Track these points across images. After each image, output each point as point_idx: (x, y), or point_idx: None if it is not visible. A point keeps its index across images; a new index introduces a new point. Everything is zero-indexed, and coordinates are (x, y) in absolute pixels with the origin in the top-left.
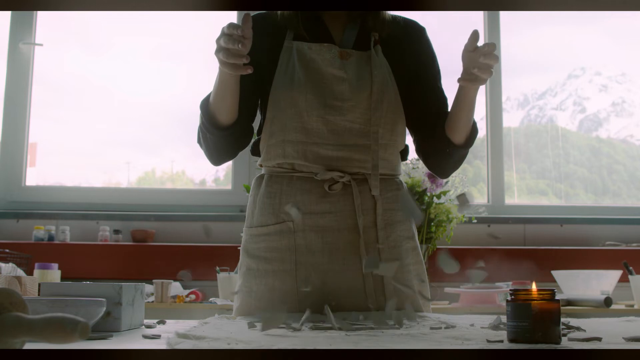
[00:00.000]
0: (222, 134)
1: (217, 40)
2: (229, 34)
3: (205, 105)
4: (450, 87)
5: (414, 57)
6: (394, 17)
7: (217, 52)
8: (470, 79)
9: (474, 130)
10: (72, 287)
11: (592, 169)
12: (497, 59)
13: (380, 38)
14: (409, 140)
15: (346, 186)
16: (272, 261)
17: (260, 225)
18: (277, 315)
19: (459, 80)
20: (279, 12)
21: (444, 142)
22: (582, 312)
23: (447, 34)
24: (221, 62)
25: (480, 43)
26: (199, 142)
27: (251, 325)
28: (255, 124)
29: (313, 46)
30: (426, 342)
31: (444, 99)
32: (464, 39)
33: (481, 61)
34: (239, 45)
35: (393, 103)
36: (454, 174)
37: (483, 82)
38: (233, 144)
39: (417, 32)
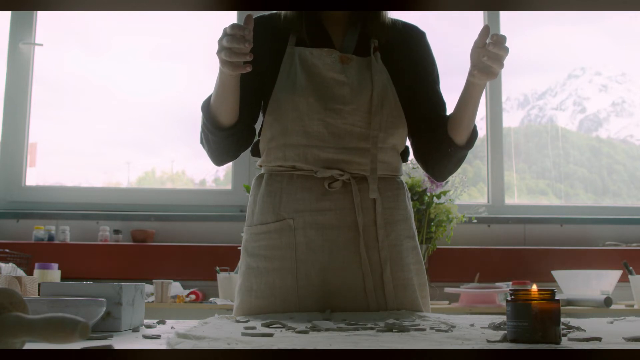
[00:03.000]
0: (224, 135)
1: (220, 41)
2: (231, 34)
3: (207, 106)
4: (449, 89)
5: (413, 61)
6: (394, 22)
7: (219, 52)
8: (482, 71)
9: (474, 132)
10: (72, 287)
11: (592, 169)
12: (507, 50)
13: (380, 44)
14: (409, 142)
15: (346, 184)
16: (272, 259)
17: (260, 224)
18: None
19: (470, 73)
20: (281, 16)
21: (446, 143)
22: (582, 312)
23: (446, 35)
24: (223, 62)
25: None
26: (201, 142)
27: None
28: (257, 125)
29: (314, 51)
30: (426, 342)
31: (443, 103)
32: (464, 39)
33: (491, 50)
34: (245, 44)
35: (393, 107)
36: (453, 174)
37: (494, 75)
38: (235, 145)
39: (417, 37)
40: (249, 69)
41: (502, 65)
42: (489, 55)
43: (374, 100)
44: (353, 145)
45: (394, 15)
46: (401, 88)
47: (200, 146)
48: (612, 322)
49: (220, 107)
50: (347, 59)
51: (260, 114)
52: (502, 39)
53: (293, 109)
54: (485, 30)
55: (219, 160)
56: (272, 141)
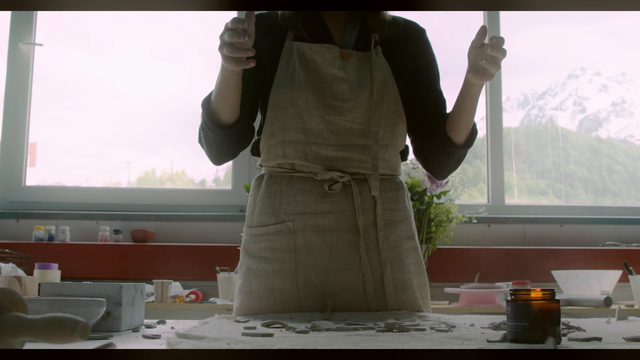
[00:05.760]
0: (224, 133)
1: (221, 36)
2: (233, 28)
3: (207, 103)
4: (449, 88)
5: (413, 58)
6: (394, 18)
7: (221, 47)
8: (478, 73)
9: (473, 131)
10: (72, 287)
11: (592, 169)
12: (505, 52)
13: (381, 39)
14: (409, 140)
15: (346, 186)
16: (272, 261)
17: (260, 225)
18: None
19: (467, 73)
20: (279, 12)
21: (444, 142)
22: (582, 312)
23: (447, 34)
24: (225, 58)
25: (487, 41)
26: (200, 141)
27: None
28: (256, 124)
29: (313, 46)
30: (426, 342)
31: (443, 100)
32: (464, 39)
33: (489, 53)
34: (245, 38)
35: (393, 103)
36: (453, 174)
37: (490, 76)
38: (234, 143)
39: (417, 34)
40: (252, 64)
41: (499, 67)
42: (486, 58)
43: (374, 96)
44: (352, 142)
45: (394, 12)
46: (401, 83)
47: (199, 146)
48: (608, 322)
49: (221, 104)
50: (346, 55)
51: (259, 112)
52: (501, 41)
53: (292, 105)
54: (483, 31)
55: (218, 159)
56: (271, 138)
